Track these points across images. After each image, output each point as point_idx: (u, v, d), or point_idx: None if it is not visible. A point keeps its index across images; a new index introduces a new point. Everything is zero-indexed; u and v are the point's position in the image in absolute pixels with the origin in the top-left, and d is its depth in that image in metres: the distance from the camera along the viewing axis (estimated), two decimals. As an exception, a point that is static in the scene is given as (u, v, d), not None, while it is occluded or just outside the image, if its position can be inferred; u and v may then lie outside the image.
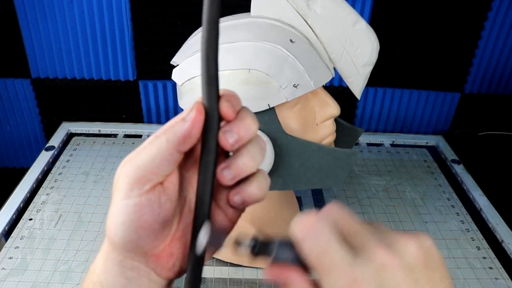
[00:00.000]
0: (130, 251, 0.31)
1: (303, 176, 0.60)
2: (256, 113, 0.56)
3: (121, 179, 0.30)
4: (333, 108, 0.60)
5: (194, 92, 0.57)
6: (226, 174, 0.31)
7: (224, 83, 0.55)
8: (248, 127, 0.31)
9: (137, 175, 0.30)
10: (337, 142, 0.65)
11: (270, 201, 0.69)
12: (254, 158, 0.31)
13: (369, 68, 0.58)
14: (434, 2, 0.96)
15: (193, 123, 0.29)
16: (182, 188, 0.32)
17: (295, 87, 0.55)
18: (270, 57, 0.54)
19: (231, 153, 0.31)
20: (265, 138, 0.56)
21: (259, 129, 0.56)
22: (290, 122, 0.58)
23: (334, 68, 0.59)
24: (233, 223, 0.34)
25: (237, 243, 0.30)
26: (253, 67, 0.54)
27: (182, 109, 0.62)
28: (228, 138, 0.30)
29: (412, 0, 0.96)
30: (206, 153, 0.30)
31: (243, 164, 0.31)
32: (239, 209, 0.33)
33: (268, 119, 0.56)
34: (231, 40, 0.56)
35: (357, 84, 0.59)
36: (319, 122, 0.60)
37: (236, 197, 0.32)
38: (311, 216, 0.29)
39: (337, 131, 0.63)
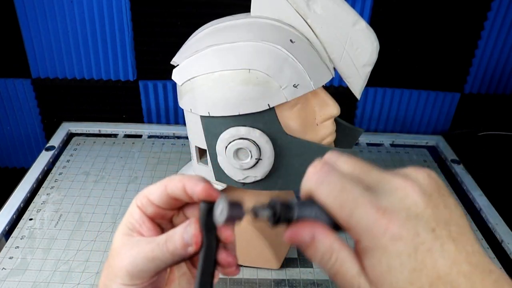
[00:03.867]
0: None
1: (303, 176, 0.60)
2: (256, 113, 0.56)
3: (123, 270, 0.32)
4: (333, 108, 0.60)
5: (194, 92, 0.57)
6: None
7: (224, 83, 0.55)
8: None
9: (140, 275, 0.32)
10: (337, 142, 0.65)
11: (270, 201, 0.69)
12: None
13: (369, 68, 0.58)
14: (434, 2, 0.96)
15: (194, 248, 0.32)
16: None
17: (295, 87, 0.55)
18: (270, 57, 0.54)
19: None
20: (265, 138, 0.56)
21: (259, 129, 0.56)
22: (290, 122, 0.58)
23: (334, 68, 0.59)
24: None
25: (255, 213, 0.29)
26: (253, 67, 0.54)
27: (182, 109, 0.62)
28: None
29: (412, 0, 0.96)
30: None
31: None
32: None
33: (268, 119, 0.56)
34: (231, 40, 0.56)
35: (357, 84, 0.59)
36: (319, 122, 0.60)
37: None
38: (317, 164, 0.29)
39: (337, 131, 0.63)
